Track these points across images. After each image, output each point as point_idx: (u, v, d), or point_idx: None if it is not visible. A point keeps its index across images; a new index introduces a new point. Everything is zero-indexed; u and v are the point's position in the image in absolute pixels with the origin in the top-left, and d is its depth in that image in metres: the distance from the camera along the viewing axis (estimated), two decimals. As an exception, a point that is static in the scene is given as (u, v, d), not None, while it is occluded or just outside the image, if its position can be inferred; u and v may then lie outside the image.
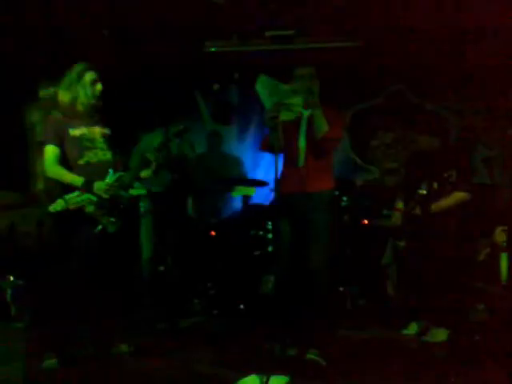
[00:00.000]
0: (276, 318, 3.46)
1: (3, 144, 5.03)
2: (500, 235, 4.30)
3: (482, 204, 4.19)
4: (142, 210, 4.66)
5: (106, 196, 3.35)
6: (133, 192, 3.67)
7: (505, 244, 4.17)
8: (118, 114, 4.02)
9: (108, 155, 3.48)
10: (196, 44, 5.45)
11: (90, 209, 3.31)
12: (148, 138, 4.73)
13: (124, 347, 3.51)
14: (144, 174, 3.70)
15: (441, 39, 5.10)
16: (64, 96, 3.47)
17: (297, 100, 3.45)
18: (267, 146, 3.59)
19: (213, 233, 5.09)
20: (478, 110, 5.83)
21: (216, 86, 6.20)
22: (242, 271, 4.73)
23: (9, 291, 4.24)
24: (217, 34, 5.34)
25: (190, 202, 5.18)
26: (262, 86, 3.46)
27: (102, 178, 3.39)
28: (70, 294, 3.30)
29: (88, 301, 3.37)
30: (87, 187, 3.33)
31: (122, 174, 3.48)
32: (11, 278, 4.31)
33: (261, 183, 5.44)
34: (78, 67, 3.50)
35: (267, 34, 5.28)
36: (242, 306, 4.58)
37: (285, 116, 3.43)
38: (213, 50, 5.59)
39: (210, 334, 4.14)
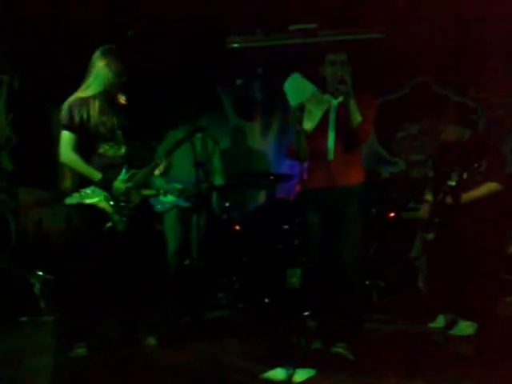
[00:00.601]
0: (303, 311, 3.45)
1: (32, 142, 5.10)
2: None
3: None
4: (165, 206, 4.66)
5: (122, 198, 3.34)
6: (144, 192, 3.65)
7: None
8: (142, 110, 4.04)
9: (123, 149, 3.41)
10: (219, 40, 5.47)
11: (103, 205, 3.30)
12: (172, 134, 4.75)
13: (152, 340, 3.53)
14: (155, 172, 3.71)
15: (467, 30, 5.03)
16: (89, 80, 3.39)
17: (320, 108, 3.36)
18: (292, 154, 3.51)
19: (237, 227, 5.09)
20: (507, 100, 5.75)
21: (239, 82, 6.21)
22: (267, 265, 4.72)
23: (37, 285, 4.31)
24: (239, 29, 5.35)
25: (214, 196, 5.19)
26: (291, 84, 3.36)
27: (115, 172, 3.36)
28: (92, 287, 3.30)
29: (113, 292, 3.40)
30: (105, 184, 3.30)
31: (135, 171, 3.44)
32: (39, 273, 4.38)
33: (285, 177, 5.42)
34: (104, 50, 3.40)
35: (291, 28, 5.26)
36: (267, 300, 4.57)
37: (306, 125, 3.35)
38: (235, 45, 5.59)
39: (236, 327, 4.15)
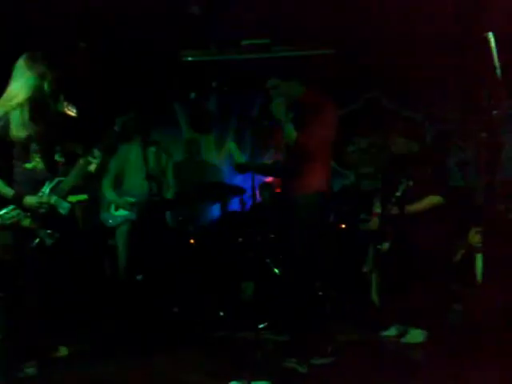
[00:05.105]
0: (256, 324, 3.46)
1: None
2: (474, 237, 4.37)
3: (457, 206, 4.24)
4: (116, 220, 4.63)
5: (41, 211, 3.18)
6: (71, 198, 3.45)
7: (479, 245, 4.23)
8: (93, 121, 3.99)
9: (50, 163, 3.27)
10: (173, 54, 5.47)
11: (25, 222, 3.15)
12: (125, 148, 4.71)
13: (63, 350, 3.46)
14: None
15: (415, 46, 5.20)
16: (12, 87, 3.15)
17: None
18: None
19: (192, 241, 5.07)
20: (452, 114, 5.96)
21: (193, 95, 6.22)
22: (221, 278, 4.70)
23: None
24: (194, 43, 5.38)
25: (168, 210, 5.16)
26: None
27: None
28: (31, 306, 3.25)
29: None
30: (17, 201, 3.12)
31: (61, 179, 3.29)
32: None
33: (239, 190, 5.44)
34: (29, 56, 3.16)
35: (243, 43, 5.33)
36: (221, 313, 4.55)
37: None
38: (189, 59, 5.61)
39: (191, 340, 4.10)
